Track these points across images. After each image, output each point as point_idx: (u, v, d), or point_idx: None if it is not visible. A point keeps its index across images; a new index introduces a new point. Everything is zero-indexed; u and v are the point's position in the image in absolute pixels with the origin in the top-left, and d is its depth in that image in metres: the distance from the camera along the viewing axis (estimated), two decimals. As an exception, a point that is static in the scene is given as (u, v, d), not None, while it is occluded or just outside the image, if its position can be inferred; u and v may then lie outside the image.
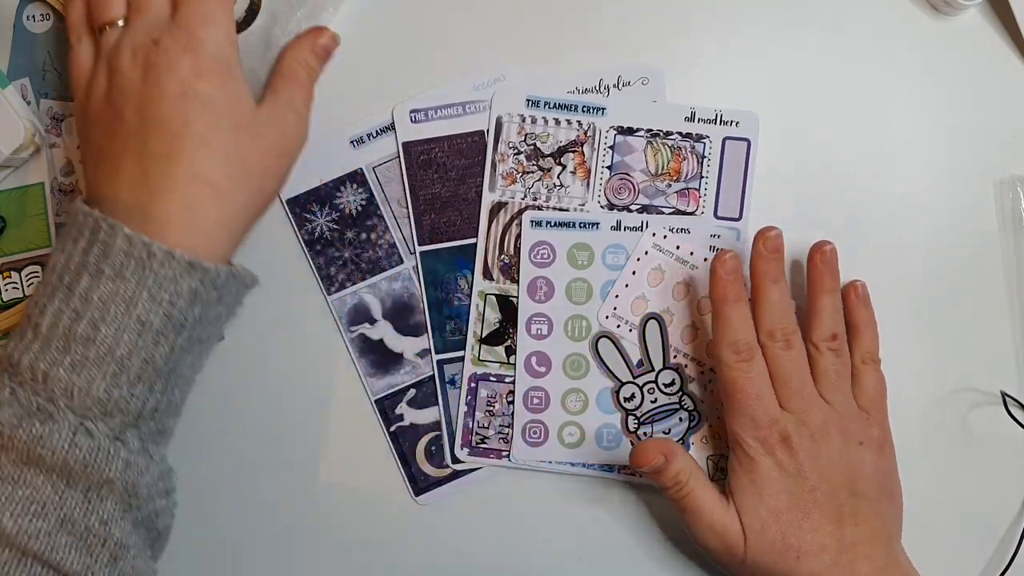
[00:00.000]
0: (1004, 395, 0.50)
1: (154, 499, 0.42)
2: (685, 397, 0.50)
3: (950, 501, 0.51)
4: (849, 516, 0.45)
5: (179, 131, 0.42)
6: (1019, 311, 0.51)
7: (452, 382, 0.51)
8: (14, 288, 0.49)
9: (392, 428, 0.51)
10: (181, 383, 0.43)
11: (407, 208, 0.51)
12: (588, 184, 0.50)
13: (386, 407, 0.51)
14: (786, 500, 0.44)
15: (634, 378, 0.50)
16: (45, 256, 0.49)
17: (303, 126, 0.47)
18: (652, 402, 0.50)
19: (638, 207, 0.50)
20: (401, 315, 0.51)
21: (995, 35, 0.52)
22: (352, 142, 0.51)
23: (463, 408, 0.51)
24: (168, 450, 0.45)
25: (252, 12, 0.49)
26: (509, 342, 0.51)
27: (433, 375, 0.51)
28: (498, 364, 0.51)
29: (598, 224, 0.50)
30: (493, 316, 0.51)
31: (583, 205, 0.50)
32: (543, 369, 0.51)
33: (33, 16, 0.50)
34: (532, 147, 0.50)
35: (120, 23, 0.44)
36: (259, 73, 0.49)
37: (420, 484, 0.51)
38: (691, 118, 0.50)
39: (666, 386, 0.50)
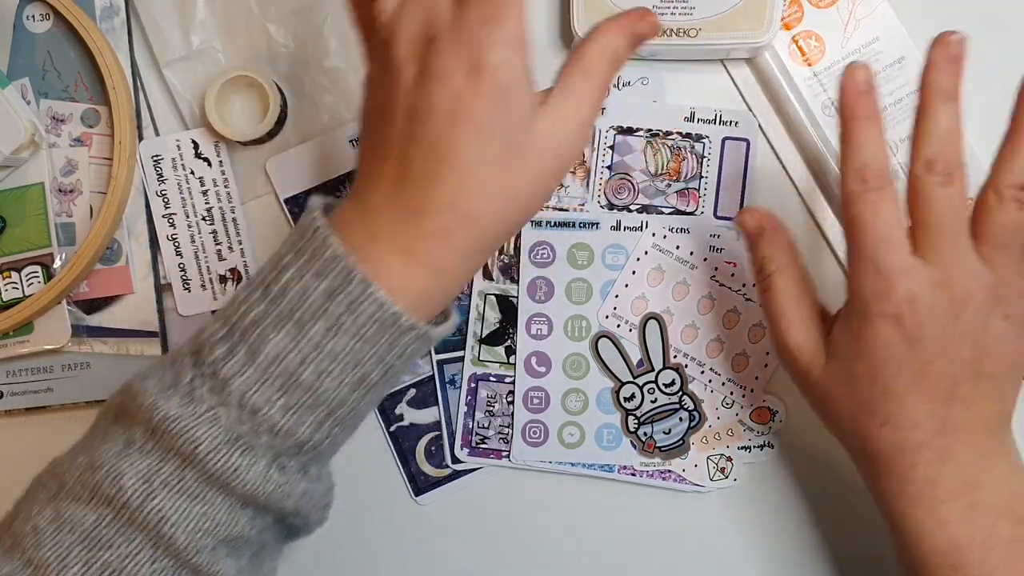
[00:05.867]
0: None
1: (316, 513, 0.40)
2: (685, 397, 0.50)
3: None
4: (963, 398, 0.38)
5: (443, 156, 0.36)
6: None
7: (452, 382, 0.51)
8: (14, 288, 0.49)
9: (392, 428, 0.51)
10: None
11: (407, 208, 0.51)
12: (588, 184, 0.50)
13: (386, 407, 0.51)
14: (892, 368, 0.38)
15: (634, 378, 0.50)
16: (45, 256, 0.49)
17: (584, 138, 0.38)
18: (652, 402, 0.50)
19: (638, 207, 0.50)
20: (401, 315, 0.51)
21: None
22: (351, 142, 0.50)
23: (463, 408, 0.51)
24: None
25: (281, 121, 0.49)
26: (509, 342, 0.51)
27: (433, 375, 0.51)
28: (498, 364, 0.51)
29: (598, 224, 0.50)
30: (493, 316, 0.51)
31: (583, 205, 0.50)
32: (543, 369, 0.51)
33: (33, 16, 0.50)
34: (532, 147, 0.50)
35: None
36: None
37: (420, 484, 0.51)
38: (691, 118, 0.50)
39: (666, 386, 0.50)
